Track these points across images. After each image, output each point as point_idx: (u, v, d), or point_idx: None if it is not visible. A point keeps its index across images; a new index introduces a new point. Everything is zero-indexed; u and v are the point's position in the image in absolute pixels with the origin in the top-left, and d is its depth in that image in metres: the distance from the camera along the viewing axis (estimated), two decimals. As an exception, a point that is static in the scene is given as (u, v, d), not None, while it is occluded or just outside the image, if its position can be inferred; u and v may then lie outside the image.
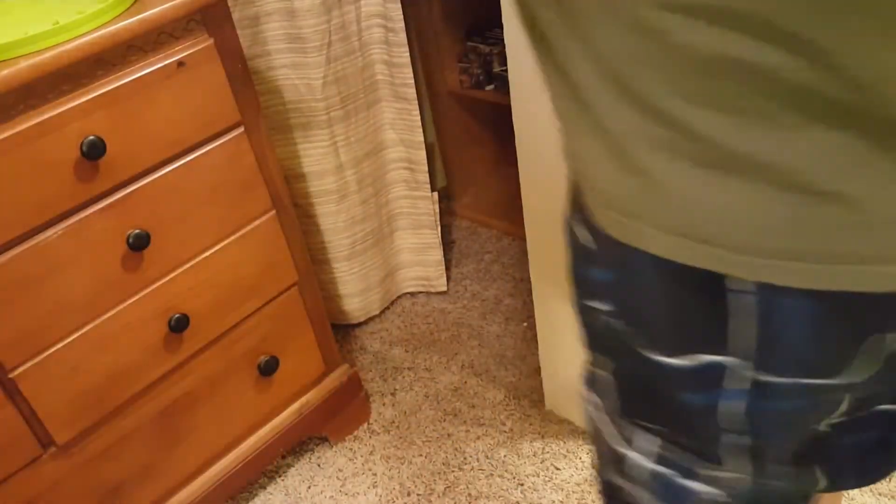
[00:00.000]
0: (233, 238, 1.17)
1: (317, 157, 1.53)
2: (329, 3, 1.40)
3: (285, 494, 1.42)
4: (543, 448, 1.42)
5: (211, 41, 1.05)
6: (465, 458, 1.43)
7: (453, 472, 1.41)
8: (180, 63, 1.02)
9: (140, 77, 0.99)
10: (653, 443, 0.55)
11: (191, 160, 1.08)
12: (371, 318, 1.78)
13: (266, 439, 1.35)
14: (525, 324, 1.70)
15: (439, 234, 1.76)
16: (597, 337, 0.56)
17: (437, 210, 1.75)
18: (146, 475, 1.20)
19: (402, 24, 1.48)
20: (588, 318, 0.56)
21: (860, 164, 0.37)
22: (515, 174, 1.23)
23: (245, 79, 1.11)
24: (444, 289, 1.82)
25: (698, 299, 0.45)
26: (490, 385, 1.57)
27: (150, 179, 1.05)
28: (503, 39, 1.11)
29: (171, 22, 0.99)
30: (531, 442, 1.44)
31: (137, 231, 1.05)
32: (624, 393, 0.55)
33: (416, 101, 1.58)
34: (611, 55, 0.41)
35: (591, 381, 0.59)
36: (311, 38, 1.40)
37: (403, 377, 1.63)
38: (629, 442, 0.56)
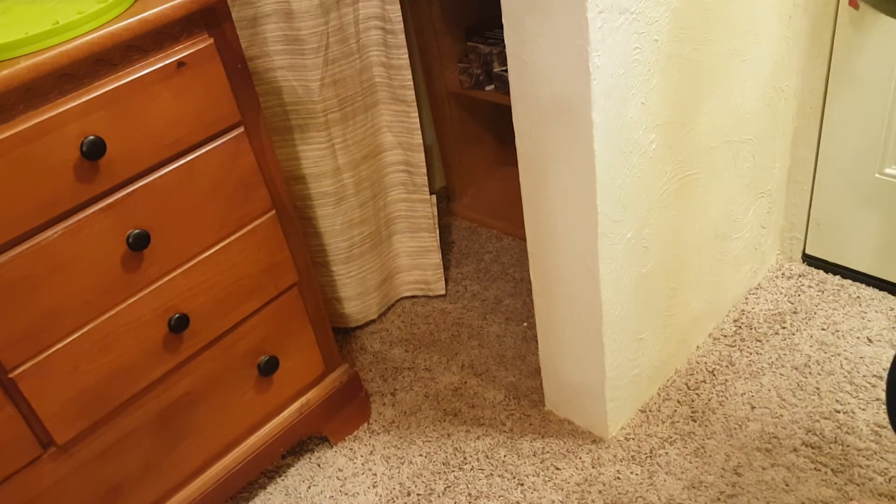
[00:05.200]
0: (233, 238, 1.17)
1: (314, 159, 1.53)
2: (327, 5, 1.40)
3: (285, 494, 1.42)
4: (543, 448, 1.42)
5: (211, 41, 1.05)
6: (465, 458, 1.43)
7: (453, 472, 1.41)
8: (180, 63, 1.02)
9: (140, 77, 0.99)
10: None
11: (191, 160, 1.08)
12: (371, 319, 1.78)
13: (266, 439, 1.35)
14: (525, 324, 1.71)
15: (437, 238, 1.76)
16: None
17: (436, 213, 1.75)
18: (146, 475, 1.20)
19: (401, 26, 1.48)
20: None
21: None
22: (515, 174, 1.23)
23: (245, 79, 1.11)
24: (443, 292, 1.82)
25: None
26: (490, 385, 1.57)
27: (151, 179, 1.05)
28: (503, 39, 1.11)
29: (171, 22, 1.00)
30: (531, 442, 1.44)
31: (137, 231, 1.05)
32: None
33: (415, 104, 1.58)
34: None
35: None
36: (309, 39, 1.40)
37: (403, 377, 1.63)
38: None
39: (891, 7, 0.68)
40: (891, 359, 1.45)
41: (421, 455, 1.45)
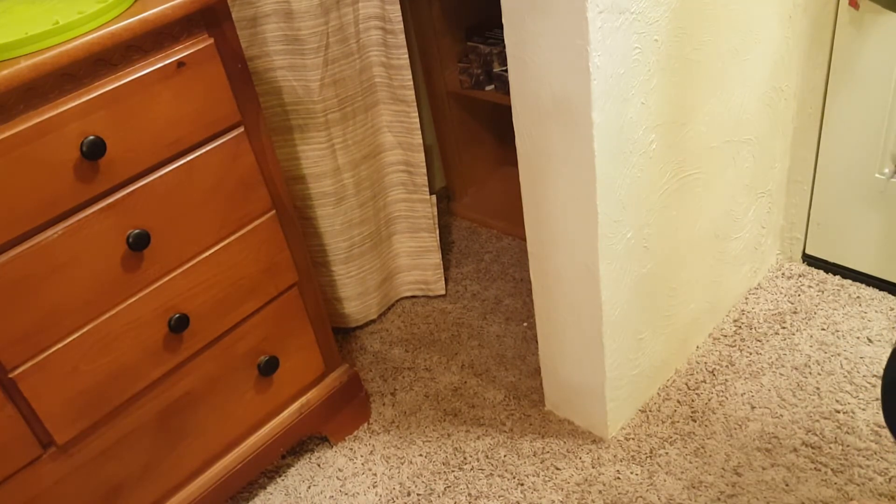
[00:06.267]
0: (233, 238, 1.17)
1: (314, 159, 1.53)
2: (327, 5, 1.40)
3: (285, 494, 1.42)
4: (543, 448, 1.42)
5: (211, 41, 1.05)
6: (465, 458, 1.43)
7: (453, 472, 1.41)
8: (180, 63, 1.02)
9: (140, 77, 0.99)
10: None
11: (191, 160, 1.08)
12: (371, 319, 1.78)
13: (266, 439, 1.35)
14: (525, 324, 1.71)
15: (437, 238, 1.76)
16: None
17: (436, 213, 1.75)
18: (146, 475, 1.20)
19: (400, 26, 1.48)
20: None
21: None
22: (515, 174, 1.23)
23: (245, 79, 1.11)
24: (443, 292, 1.82)
25: None
26: (490, 385, 1.57)
27: (151, 179, 1.05)
28: (503, 39, 1.11)
29: (171, 22, 1.00)
30: (531, 442, 1.44)
31: (137, 231, 1.05)
32: None
33: (415, 104, 1.58)
34: None
35: None
36: (309, 39, 1.40)
37: (403, 377, 1.63)
38: None
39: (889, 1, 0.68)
40: (891, 359, 1.45)
41: (421, 455, 1.45)
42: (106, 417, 1.12)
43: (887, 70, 1.39)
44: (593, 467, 1.37)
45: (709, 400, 1.45)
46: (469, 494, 1.36)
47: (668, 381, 1.50)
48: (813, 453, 1.32)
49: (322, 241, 1.63)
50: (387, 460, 1.45)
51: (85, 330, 1.05)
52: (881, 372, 1.44)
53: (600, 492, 1.32)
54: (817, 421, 1.38)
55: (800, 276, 1.69)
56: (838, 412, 1.38)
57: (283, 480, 1.45)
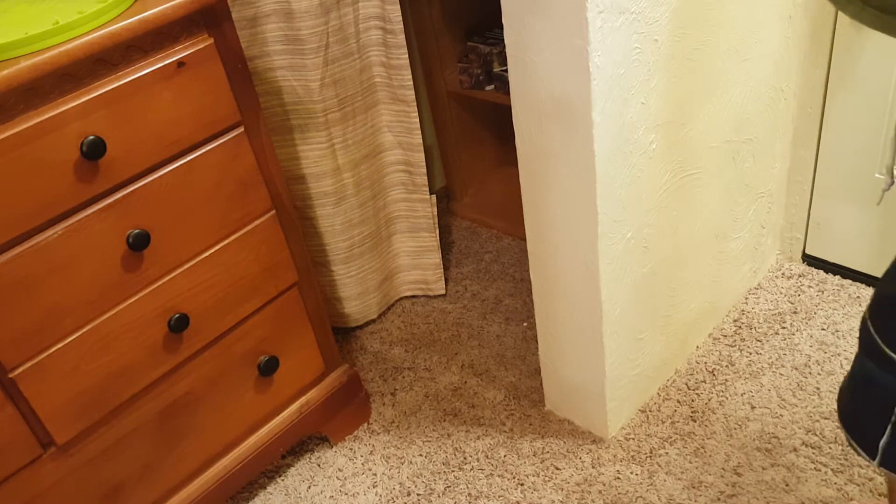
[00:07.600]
0: (233, 238, 1.17)
1: (314, 158, 1.53)
2: (327, 5, 1.41)
3: (285, 494, 1.42)
4: (543, 448, 1.42)
5: (211, 41, 1.05)
6: (465, 458, 1.43)
7: (453, 472, 1.41)
8: (180, 63, 1.02)
9: (140, 77, 0.99)
10: None
11: (191, 160, 1.08)
12: (371, 319, 1.79)
13: (266, 439, 1.35)
14: (525, 324, 1.71)
15: (437, 238, 1.76)
16: None
17: (436, 213, 1.75)
18: (146, 475, 1.20)
19: (400, 26, 1.48)
20: None
21: None
22: (515, 174, 1.23)
23: (245, 79, 1.11)
24: (443, 292, 1.82)
25: None
26: (490, 385, 1.57)
27: (151, 179, 1.05)
28: (503, 39, 1.11)
29: (171, 22, 1.00)
30: (531, 442, 1.44)
31: (137, 231, 1.05)
32: None
33: (415, 104, 1.58)
34: None
35: None
36: (309, 39, 1.40)
37: (403, 377, 1.63)
38: None
39: (862, 13, 0.68)
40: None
41: (421, 455, 1.45)
42: (106, 417, 1.12)
43: (887, 70, 1.39)
44: (593, 467, 1.37)
45: (709, 400, 1.45)
46: (469, 494, 1.36)
47: (668, 381, 1.50)
48: (813, 453, 1.32)
49: (322, 241, 1.63)
50: (387, 460, 1.45)
51: (85, 330, 1.05)
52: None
53: (600, 492, 1.32)
54: (817, 421, 1.38)
55: (800, 276, 1.69)
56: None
57: (283, 480, 1.45)
